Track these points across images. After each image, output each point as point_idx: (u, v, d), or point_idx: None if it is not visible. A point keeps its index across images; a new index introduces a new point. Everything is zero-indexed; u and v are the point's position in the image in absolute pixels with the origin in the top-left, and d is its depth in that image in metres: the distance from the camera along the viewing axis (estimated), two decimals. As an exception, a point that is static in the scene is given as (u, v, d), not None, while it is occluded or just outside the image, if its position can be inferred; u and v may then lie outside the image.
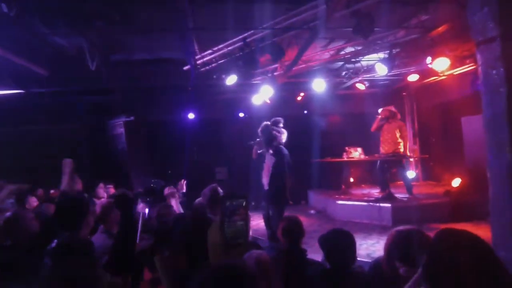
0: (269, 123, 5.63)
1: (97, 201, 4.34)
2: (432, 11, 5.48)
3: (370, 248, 5.44)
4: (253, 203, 7.66)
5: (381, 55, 7.45)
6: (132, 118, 9.01)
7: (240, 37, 5.93)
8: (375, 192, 8.39)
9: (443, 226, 1.63)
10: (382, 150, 7.85)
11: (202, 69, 6.87)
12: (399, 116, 7.78)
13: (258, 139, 5.71)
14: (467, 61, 7.18)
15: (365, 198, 7.77)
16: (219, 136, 9.88)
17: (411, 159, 10.33)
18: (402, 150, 7.51)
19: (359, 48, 7.09)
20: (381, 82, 9.62)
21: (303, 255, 2.78)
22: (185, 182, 4.85)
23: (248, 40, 5.87)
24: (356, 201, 7.72)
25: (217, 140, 9.90)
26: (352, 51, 7.36)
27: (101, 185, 6.10)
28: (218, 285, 1.21)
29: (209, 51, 6.53)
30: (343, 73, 8.70)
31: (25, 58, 5.84)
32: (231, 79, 6.91)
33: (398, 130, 7.53)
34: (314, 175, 9.52)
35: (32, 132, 8.68)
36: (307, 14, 5.16)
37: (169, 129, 9.65)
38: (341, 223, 7.17)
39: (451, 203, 6.99)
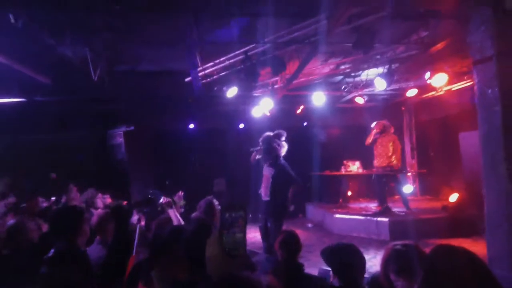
0: (271, 134, 5.56)
1: (94, 211, 4.32)
2: (432, 28, 5.58)
3: (367, 263, 5.39)
4: (250, 215, 7.63)
5: (381, 69, 7.55)
6: (132, 128, 9.05)
7: (242, 50, 6.01)
8: (373, 206, 8.40)
9: (440, 241, 1.66)
10: (376, 163, 7.98)
11: (204, 81, 6.93)
12: (392, 129, 7.97)
13: (258, 147, 5.70)
14: (465, 77, 7.26)
15: (363, 212, 7.77)
16: (218, 147, 9.90)
17: (409, 174, 10.37)
18: (395, 162, 7.67)
19: (359, 62, 7.19)
20: (380, 97, 9.69)
21: (300, 269, 2.79)
22: (182, 193, 4.83)
23: (249, 53, 5.94)
24: (354, 215, 7.72)
25: (217, 151, 9.91)
26: (351, 66, 7.45)
27: (99, 195, 6.07)
28: None
29: (211, 64, 6.60)
30: (343, 87, 8.78)
31: (30, 67, 5.90)
32: (232, 91, 6.98)
33: (391, 144, 7.72)
34: (312, 188, 9.51)
35: (36, 141, 8.71)
36: (308, 29, 5.25)
37: (169, 140, 9.69)
38: (338, 237, 7.16)
39: (448, 218, 7.00)
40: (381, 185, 7.96)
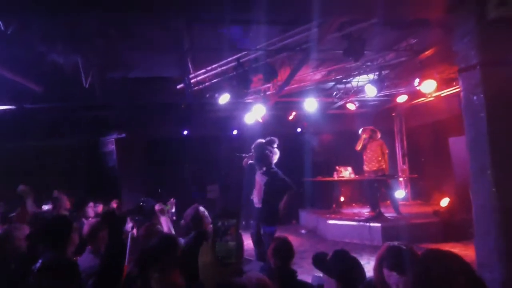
0: (263, 141, 5.52)
1: (85, 221, 4.25)
2: (421, 35, 5.67)
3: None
4: (243, 222, 7.60)
5: (371, 76, 7.64)
6: (123, 135, 9.01)
7: (234, 57, 6.03)
8: (366, 211, 8.44)
9: (432, 246, 1.68)
10: (366, 168, 8.18)
11: (196, 88, 6.94)
12: (379, 134, 8.21)
13: (250, 154, 5.68)
14: (454, 83, 7.37)
15: (356, 218, 7.80)
16: (211, 154, 9.89)
17: (401, 179, 10.46)
18: (385, 166, 7.94)
19: (350, 69, 7.27)
20: (371, 103, 9.79)
21: (293, 276, 2.79)
22: (174, 201, 4.77)
23: (242, 60, 5.97)
24: (347, 221, 7.75)
25: (210, 157, 9.90)
26: (342, 72, 7.52)
27: (91, 204, 5.97)
28: None
29: (203, 70, 6.61)
30: (334, 93, 8.85)
31: (21, 75, 5.85)
32: (224, 98, 6.99)
33: (380, 148, 7.99)
34: (305, 194, 9.52)
35: (27, 148, 8.62)
36: (300, 36, 5.30)
37: (161, 147, 9.64)
38: (332, 243, 7.17)
39: (440, 223, 7.06)
40: (373, 190, 8.03)
